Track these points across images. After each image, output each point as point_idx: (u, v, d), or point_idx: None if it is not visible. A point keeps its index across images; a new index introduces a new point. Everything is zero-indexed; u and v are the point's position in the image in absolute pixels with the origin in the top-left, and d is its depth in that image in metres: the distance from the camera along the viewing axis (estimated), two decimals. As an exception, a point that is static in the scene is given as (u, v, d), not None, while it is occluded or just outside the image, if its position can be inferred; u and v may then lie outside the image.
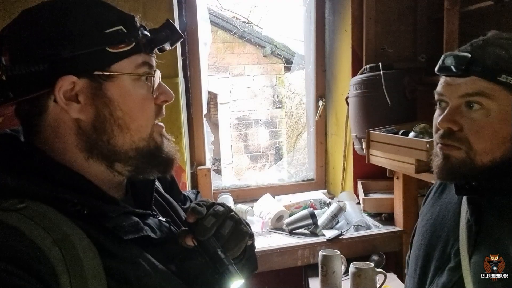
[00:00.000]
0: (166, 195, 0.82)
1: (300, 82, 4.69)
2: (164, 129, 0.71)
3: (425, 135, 1.42)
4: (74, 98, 0.61)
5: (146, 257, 0.62)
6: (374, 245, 1.78)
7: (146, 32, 0.65)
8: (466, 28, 1.68)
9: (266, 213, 1.93)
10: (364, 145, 1.72)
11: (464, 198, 0.87)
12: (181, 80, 1.84)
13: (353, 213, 1.88)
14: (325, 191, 2.28)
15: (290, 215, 1.91)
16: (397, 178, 1.78)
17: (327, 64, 2.25)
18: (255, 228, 1.89)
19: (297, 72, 3.89)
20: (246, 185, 2.29)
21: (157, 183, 0.79)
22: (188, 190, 1.23)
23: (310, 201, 2.02)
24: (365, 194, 1.98)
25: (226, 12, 5.35)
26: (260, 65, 5.61)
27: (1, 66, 0.58)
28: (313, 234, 1.81)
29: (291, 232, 1.83)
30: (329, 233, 1.78)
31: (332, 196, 2.24)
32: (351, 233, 1.79)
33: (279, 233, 1.85)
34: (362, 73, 1.84)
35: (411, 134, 1.47)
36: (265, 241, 1.76)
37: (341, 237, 1.74)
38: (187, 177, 1.88)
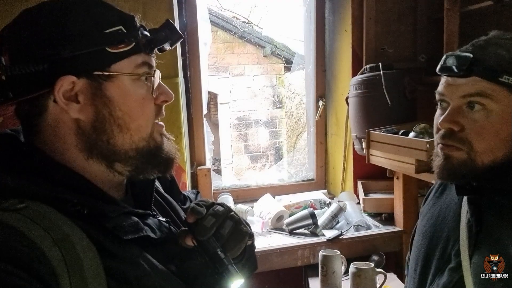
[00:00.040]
0: (166, 195, 0.82)
1: (300, 82, 4.69)
2: (164, 128, 0.71)
3: (425, 135, 1.43)
4: (74, 98, 0.61)
5: (146, 257, 0.62)
6: (374, 245, 1.78)
7: (146, 32, 0.65)
8: (466, 28, 1.68)
9: (266, 213, 1.93)
10: (364, 145, 1.72)
11: (465, 198, 0.87)
12: (181, 80, 1.85)
13: (353, 213, 1.88)
14: (325, 191, 2.28)
15: (290, 215, 1.91)
16: (397, 178, 1.78)
17: (327, 64, 2.25)
18: (255, 228, 1.89)
19: (297, 72, 3.89)
20: (246, 185, 2.29)
21: (157, 183, 0.78)
22: (188, 190, 1.23)
23: (310, 201, 2.02)
24: (365, 194, 1.98)
25: (226, 12, 5.35)
26: (260, 65, 5.61)
27: (1, 66, 0.58)
28: (313, 234, 1.80)
29: (291, 232, 1.83)
30: (329, 233, 1.78)
31: (332, 196, 2.24)
32: (351, 233, 1.79)
33: (279, 233, 1.85)
34: (362, 73, 1.84)
35: (411, 134, 1.47)
36: (265, 241, 1.76)
37: (341, 237, 1.74)
38: (187, 177, 1.88)
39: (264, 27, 5.34)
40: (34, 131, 0.63)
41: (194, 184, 1.99)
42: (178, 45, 1.69)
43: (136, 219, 0.65)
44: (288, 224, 1.84)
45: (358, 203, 2.01)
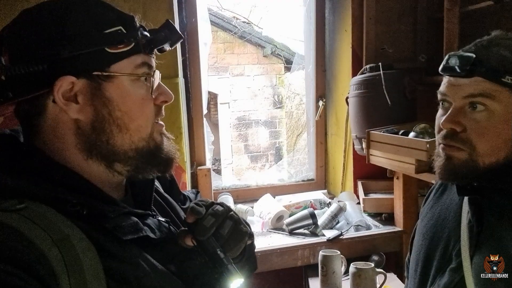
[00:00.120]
0: (166, 195, 0.82)
1: (300, 82, 4.68)
2: (164, 128, 0.71)
3: (425, 135, 1.42)
4: (73, 99, 0.61)
5: (146, 257, 0.62)
6: (374, 245, 1.78)
7: (145, 33, 0.65)
8: (466, 28, 1.68)
9: (266, 213, 1.93)
10: (364, 145, 1.72)
11: (465, 198, 0.87)
12: (181, 80, 1.84)
13: (353, 213, 1.88)
14: (325, 191, 2.28)
15: (290, 215, 1.91)
16: (397, 178, 1.78)
17: (327, 64, 2.25)
18: (255, 228, 1.89)
19: (297, 72, 3.89)
20: (246, 185, 2.29)
21: (157, 183, 0.78)
22: (188, 190, 1.22)
23: (310, 201, 2.02)
24: (365, 194, 1.98)
25: (226, 12, 5.34)
26: (260, 65, 5.61)
27: (0, 66, 0.58)
28: (313, 234, 1.80)
29: (291, 232, 1.83)
30: (329, 233, 1.77)
31: (332, 196, 2.24)
32: (351, 233, 1.79)
33: (279, 233, 1.85)
34: (362, 73, 1.84)
35: (411, 134, 1.47)
36: (265, 241, 1.76)
37: (341, 237, 1.74)
38: (187, 177, 1.88)
39: (264, 27, 5.34)
40: (33, 131, 0.63)
41: (194, 184, 1.99)
42: (178, 45, 1.69)
43: (136, 219, 0.65)
44: (288, 224, 1.84)
45: (358, 203, 2.01)
